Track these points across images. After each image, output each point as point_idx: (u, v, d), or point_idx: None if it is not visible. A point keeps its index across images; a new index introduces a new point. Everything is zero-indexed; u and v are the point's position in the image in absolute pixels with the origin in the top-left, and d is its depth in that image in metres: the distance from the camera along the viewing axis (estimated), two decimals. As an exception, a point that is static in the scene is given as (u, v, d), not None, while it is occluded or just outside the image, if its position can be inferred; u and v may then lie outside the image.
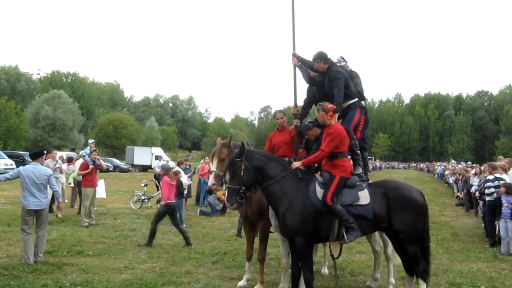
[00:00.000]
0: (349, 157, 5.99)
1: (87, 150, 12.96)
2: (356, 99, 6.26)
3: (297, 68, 6.59)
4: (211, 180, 6.24)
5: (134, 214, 13.92)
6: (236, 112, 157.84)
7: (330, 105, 5.66)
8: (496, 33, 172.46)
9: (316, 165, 6.02)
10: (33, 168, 7.85)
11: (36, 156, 8.20)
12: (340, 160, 5.58)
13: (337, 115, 5.77)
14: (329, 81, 6.13)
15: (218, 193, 11.05)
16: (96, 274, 7.05)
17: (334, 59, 6.44)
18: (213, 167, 6.30)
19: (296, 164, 5.59)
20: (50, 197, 10.62)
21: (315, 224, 5.39)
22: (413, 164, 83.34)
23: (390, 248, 6.49)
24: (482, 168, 15.29)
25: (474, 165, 25.47)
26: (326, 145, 5.50)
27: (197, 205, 16.64)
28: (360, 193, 5.50)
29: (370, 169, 5.88)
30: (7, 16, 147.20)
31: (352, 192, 5.49)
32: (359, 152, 6.11)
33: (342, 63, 6.56)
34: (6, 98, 55.36)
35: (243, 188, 5.42)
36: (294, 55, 6.55)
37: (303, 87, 6.84)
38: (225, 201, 5.56)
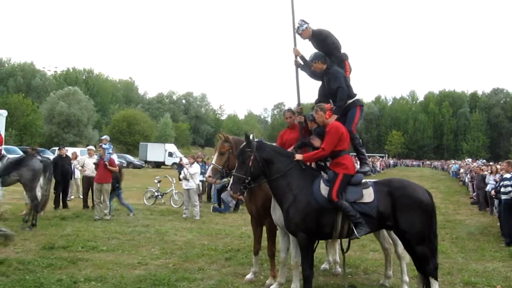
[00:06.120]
0: (353, 154, 6.02)
1: (109, 147, 13.02)
2: (356, 97, 6.24)
3: (299, 69, 6.64)
4: (208, 172, 6.42)
5: (147, 210, 14.00)
6: (249, 109, 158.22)
7: (328, 105, 5.79)
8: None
9: (322, 163, 6.03)
10: None
11: None
12: (342, 158, 5.61)
13: (335, 116, 5.79)
14: (328, 81, 6.11)
15: None
16: (110, 269, 7.10)
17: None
18: (213, 160, 6.44)
19: (297, 157, 5.66)
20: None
21: (318, 220, 5.42)
22: (427, 162, 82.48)
23: (401, 247, 6.44)
24: (498, 166, 15.09)
25: (491, 163, 25.12)
26: (325, 143, 5.57)
27: (209, 202, 16.70)
28: (365, 191, 5.50)
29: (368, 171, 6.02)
30: (23, 13, 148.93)
31: (356, 190, 5.49)
32: (364, 151, 6.12)
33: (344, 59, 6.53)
34: (23, 95, 56.16)
35: (249, 178, 5.50)
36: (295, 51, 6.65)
37: (305, 85, 6.94)
38: (228, 188, 5.62)
